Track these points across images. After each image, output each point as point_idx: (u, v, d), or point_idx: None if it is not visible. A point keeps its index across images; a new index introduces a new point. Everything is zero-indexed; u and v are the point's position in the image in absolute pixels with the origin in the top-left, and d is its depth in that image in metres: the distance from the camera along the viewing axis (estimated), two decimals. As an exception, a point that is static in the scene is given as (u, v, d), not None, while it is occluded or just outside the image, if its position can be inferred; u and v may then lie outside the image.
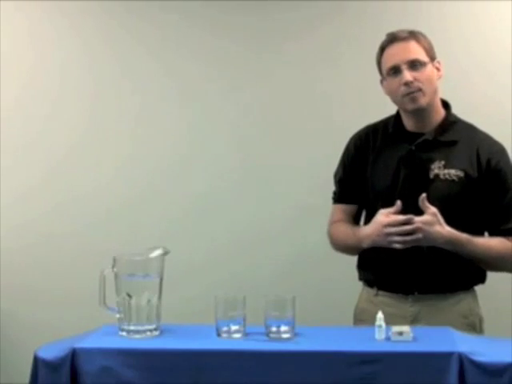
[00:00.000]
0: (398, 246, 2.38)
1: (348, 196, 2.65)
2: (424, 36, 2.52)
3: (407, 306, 2.51)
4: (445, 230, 2.39)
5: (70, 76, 3.65)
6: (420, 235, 2.36)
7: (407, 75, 2.45)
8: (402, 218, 2.37)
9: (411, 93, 2.45)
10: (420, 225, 2.36)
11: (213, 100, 3.62)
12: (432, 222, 2.37)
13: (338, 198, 2.68)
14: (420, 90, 2.46)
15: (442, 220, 2.38)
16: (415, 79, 2.45)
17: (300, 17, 3.55)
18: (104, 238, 3.59)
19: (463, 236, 2.43)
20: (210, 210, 3.63)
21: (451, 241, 2.41)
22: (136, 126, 3.65)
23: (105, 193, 3.65)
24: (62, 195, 3.65)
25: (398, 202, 2.40)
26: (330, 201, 2.71)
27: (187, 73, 3.62)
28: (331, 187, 2.71)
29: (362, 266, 2.64)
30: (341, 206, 2.67)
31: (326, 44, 3.56)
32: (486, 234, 2.56)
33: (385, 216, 2.40)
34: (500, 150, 2.53)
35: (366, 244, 2.50)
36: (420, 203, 2.37)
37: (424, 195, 2.37)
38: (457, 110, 2.59)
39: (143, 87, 3.64)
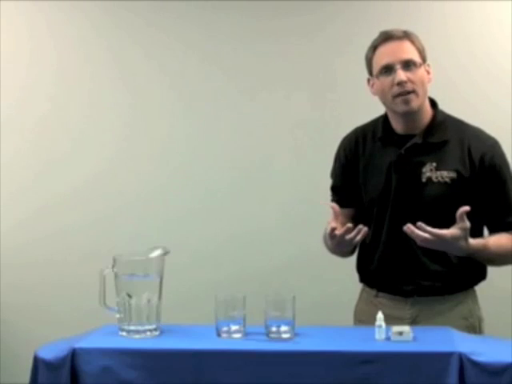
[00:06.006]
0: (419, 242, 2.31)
1: (342, 202, 2.58)
2: (417, 37, 2.47)
3: (406, 309, 2.49)
4: (467, 245, 2.33)
5: (66, 75, 3.66)
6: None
7: (401, 75, 2.39)
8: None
9: (404, 94, 2.40)
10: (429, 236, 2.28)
11: (213, 105, 3.64)
12: (459, 236, 2.30)
13: (335, 202, 2.62)
14: (413, 91, 2.41)
15: (468, 235, 2.31)
16: (409, 80, 2.40)
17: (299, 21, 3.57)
18: (104, 238, 3.59)
19: (480, 245, 2.38)
20: (210, 211, 3.63)
21: (469, 253, 2.37)
22: (136, 127, 3.66)
23: (105, 192, 3.65)
24: (62, 194, 3.65)
25: (334, 205, 2.39)
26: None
27: (190, 76, 3.64)
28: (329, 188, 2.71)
29: (360, 268, 2.62)
30: None
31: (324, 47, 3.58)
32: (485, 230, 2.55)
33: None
34: (492, 144, 2.48)
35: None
36: (458, 215, 2.28)
37: (467, 208, 2.28)
38: (455, 109, 2.57)
39: (144, 88, 3.65)
